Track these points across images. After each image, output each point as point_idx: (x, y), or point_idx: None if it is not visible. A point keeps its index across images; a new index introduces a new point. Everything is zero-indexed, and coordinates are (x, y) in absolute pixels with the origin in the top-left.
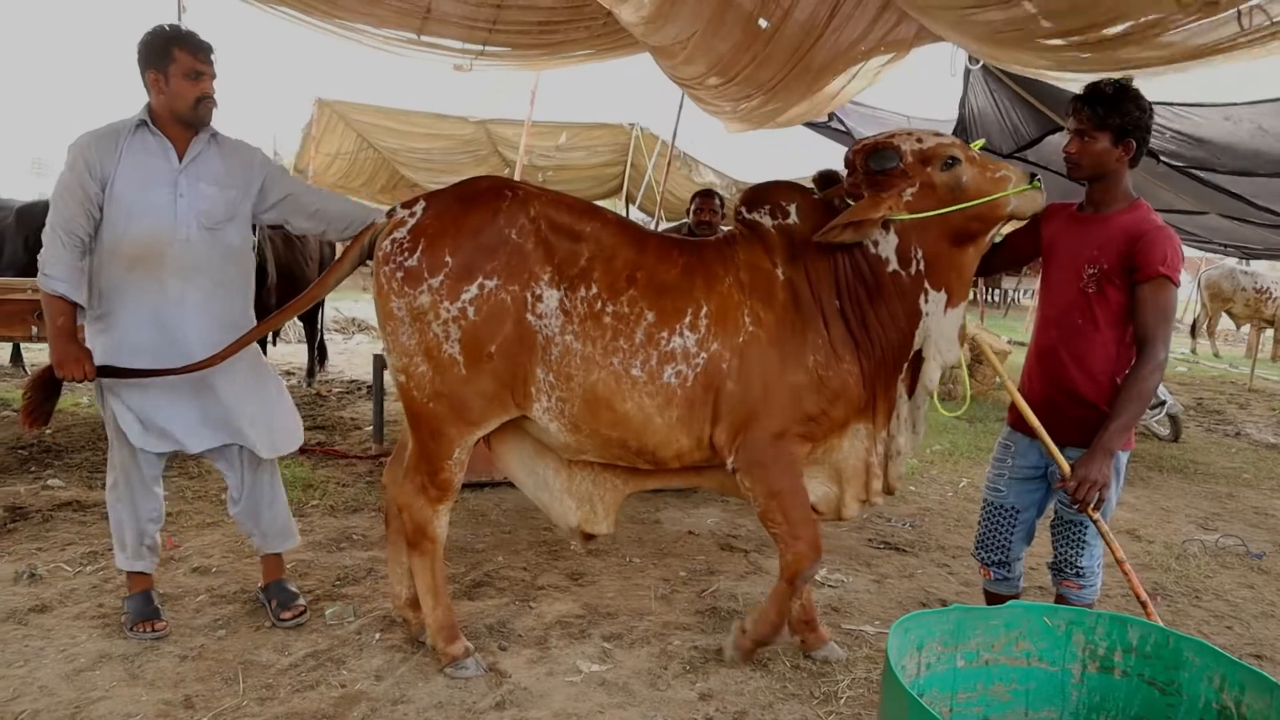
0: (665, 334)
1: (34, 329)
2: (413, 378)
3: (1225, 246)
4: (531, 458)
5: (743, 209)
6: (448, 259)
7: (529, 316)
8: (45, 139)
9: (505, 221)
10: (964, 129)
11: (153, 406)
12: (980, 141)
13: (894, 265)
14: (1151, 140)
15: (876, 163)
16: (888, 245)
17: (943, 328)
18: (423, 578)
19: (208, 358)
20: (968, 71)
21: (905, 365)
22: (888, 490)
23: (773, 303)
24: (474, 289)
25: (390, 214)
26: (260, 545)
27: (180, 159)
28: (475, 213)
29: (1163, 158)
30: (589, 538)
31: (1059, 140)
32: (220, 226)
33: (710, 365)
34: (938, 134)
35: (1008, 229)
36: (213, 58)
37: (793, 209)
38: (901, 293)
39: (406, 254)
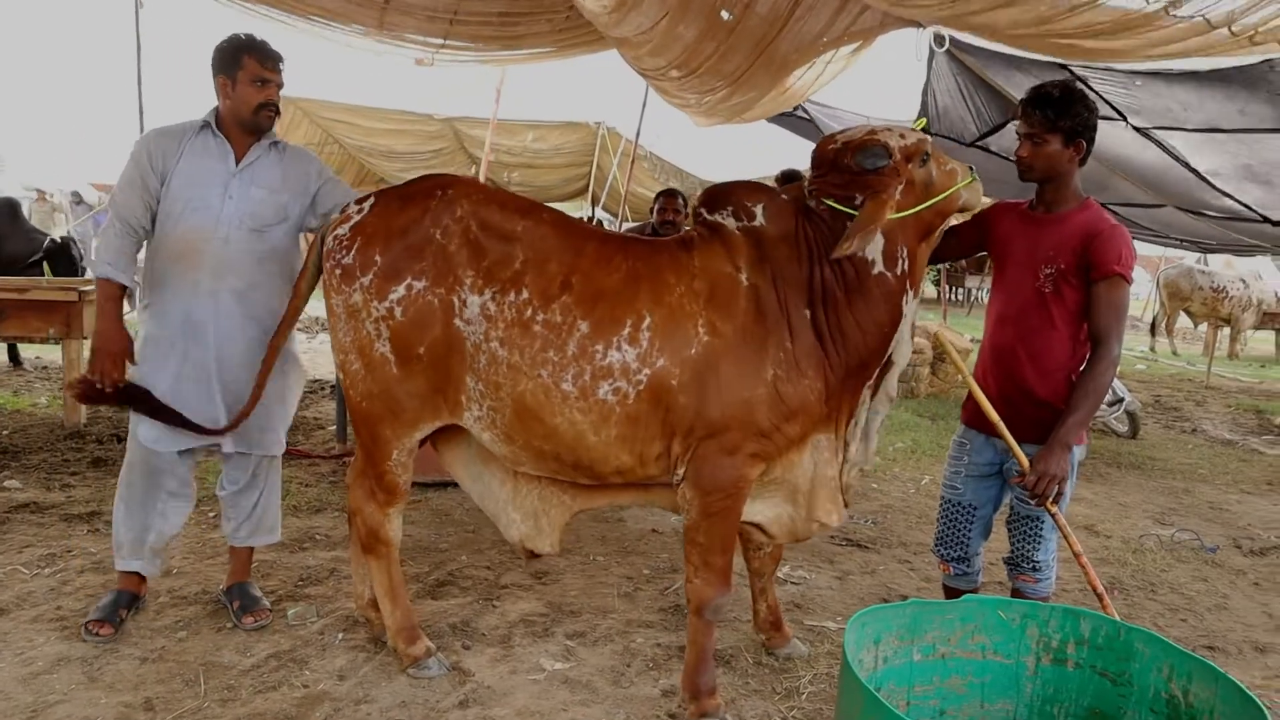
0: (600, 347)
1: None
2: (349, 375)
3: (1182, 241)
4: (478, 464)
5: (703, 210)
6: (377, 258)
7: (456, 321)
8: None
9: (431, 221)
10: (927, 116)
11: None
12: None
13: (880, 267)
14: (1116, 97)
15: (868, 161)
16: (874, 247)
17: (907, 327)
18: (380, 580)
19: (245, 407)
20: (932, 53)
21: (876, 372)
22: (844, 496)
23: (732, 311)
24: (401, 289)
25: (343, 209)
26: (242, 537)
27: (238, 163)
28: (406, 212)
29: (1130, 119)
30: (534, 555)
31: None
32: (267, 229)
33: (656, 382)
34: (907, 129)
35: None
36: (281, 67)
37: (759, 210)
38: (887, 295)
39: (344, 251)
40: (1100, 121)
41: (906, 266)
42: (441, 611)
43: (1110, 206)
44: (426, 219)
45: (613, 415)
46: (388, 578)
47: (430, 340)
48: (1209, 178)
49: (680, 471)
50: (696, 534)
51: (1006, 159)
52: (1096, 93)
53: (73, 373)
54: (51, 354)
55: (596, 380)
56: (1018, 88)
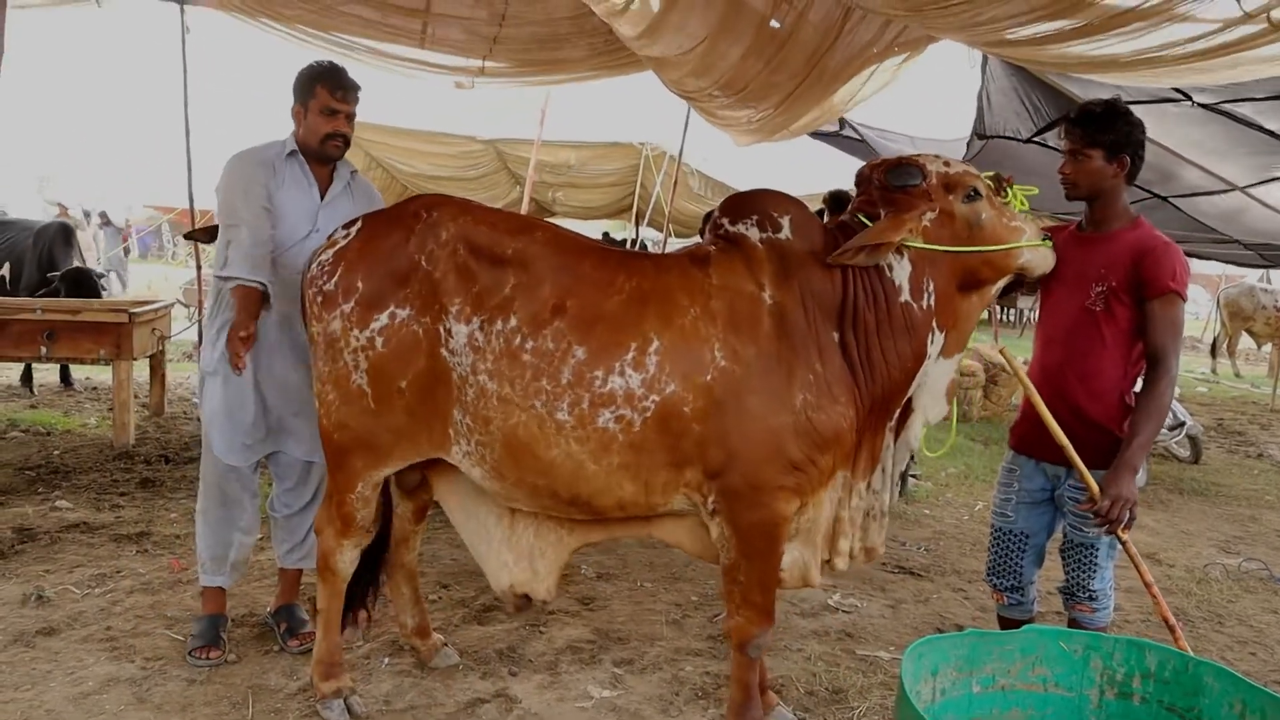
0: (600, 373)
1: (43, 349)
2: (323, 404)
3: (1247, 247)
4: (472, 500)
5: (724, 220)
6: (359, 284)
7: (443, 352)
8: (51, 157)
9: (415, 246)
10: (983, 122)
11: (235, 419)
12: (1034, 189)
13: (906, 295)
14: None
15: (897, 179)
16: (901, 272)
17: (936, 376)
18: (320, 605)
19: None
20: (985, 59)
21: (897, 412)
22: (868, 554)
23: (755, 333)
24: (384, 318)
25: (331, 234)
26: (294, 559)
27: (322, 195)
28: (390, 236)
29: (1196, 97)
30: (524, 601)
31: None
32: None
33: (665, 410)
34: (965, 164)
35: None
36: (353, 97)
37: (785, 222)
38: (911, 326)
39: (327, 277)
40: (1163, 104)
41: (932, 302)
42: (488, 637)
43: (1173, 200)
44: (411, 243)
45: (614, 443)
46: (327, 607)
47: (414, 372)
48: None
49: (710, 504)
50: (736, 573)
51: (1063, 152)
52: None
53: (123, 393)
54: (102, 375)
55: (596, 408)
56: (1075, 84)
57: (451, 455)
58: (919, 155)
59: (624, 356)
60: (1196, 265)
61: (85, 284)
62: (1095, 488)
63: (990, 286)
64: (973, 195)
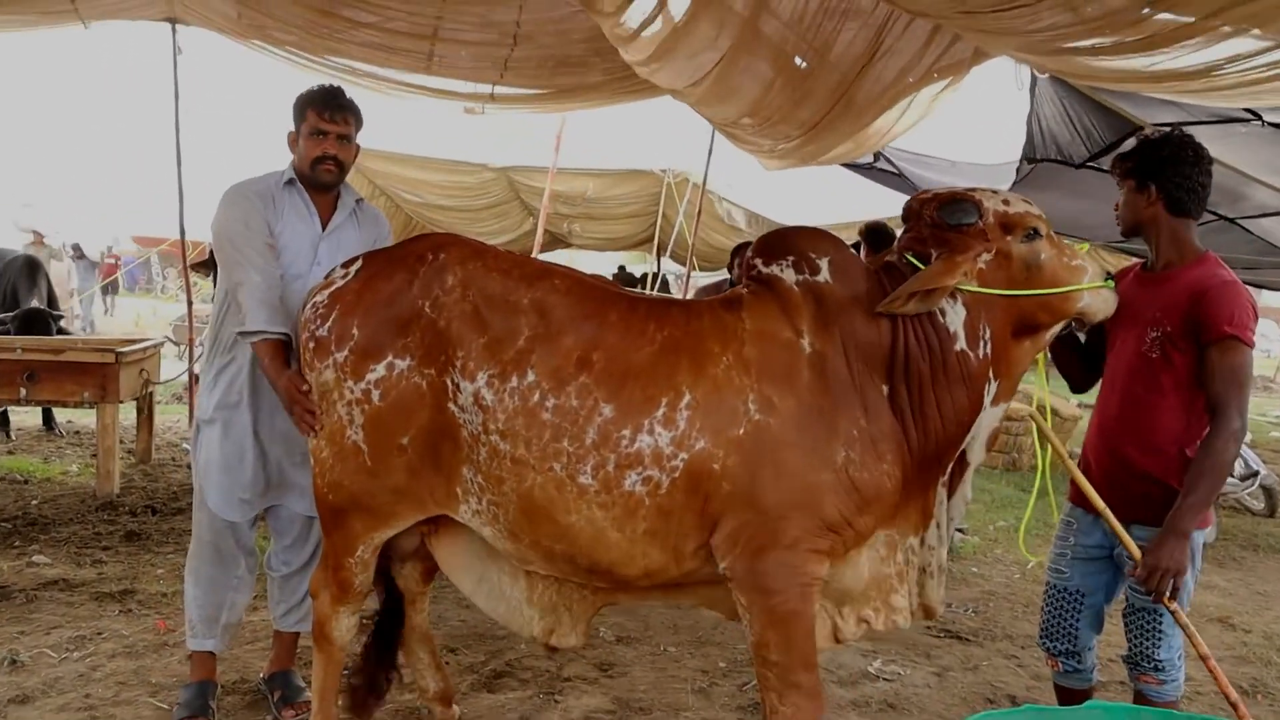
0: (627, 432)
1: (22, 390)
2: (317, 461)
3: None
4: (481, 562)
5: (758, 261)
6: (355, 330)
7: (451, 407)
8: (35, 183)
9: (420, 291)
10: (1032, 145)
11: (233, 471)
12: (1084, 246)
13: (962, 343)
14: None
15: (951, 216)
16: (955, 318)
17: (986, 426)
18: (315, 675)
19: None
20: (1034, 80)
21: (950, 466)
22: (927, 613)
23: (793, 383)
24: (380, 369)
25: (329, 273)
26: (291, 622)
27: (324, 225)
28: (392, 278)
29: (1267, 116)
30: (553, 649)
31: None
32: None
33: (694, 468)
34: (1025, 199)
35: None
36: (343, 118)
37: (824, 264)
38: (968, 377)
39: (320, 321)
40: (1230, 124)
41: (989, 350)
42: (498, 706)
43: (1240, 222)
44: (414, 287)
45: (640, 509)
46: (322, 677)
47: (417, 428)
48: None
49: (722, 567)
50: (767, 651)
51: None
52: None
53: (107, 439)
54: (85, 418)
55: (622, 470)
56: (1131, 103)
57: (460, 514)
58: (974, 190)
59: (655, 413)
60: (1267, 297)
61: (38, 326)
62: (1136, 552)
63: (1046, 331)
64: (1032, 235)
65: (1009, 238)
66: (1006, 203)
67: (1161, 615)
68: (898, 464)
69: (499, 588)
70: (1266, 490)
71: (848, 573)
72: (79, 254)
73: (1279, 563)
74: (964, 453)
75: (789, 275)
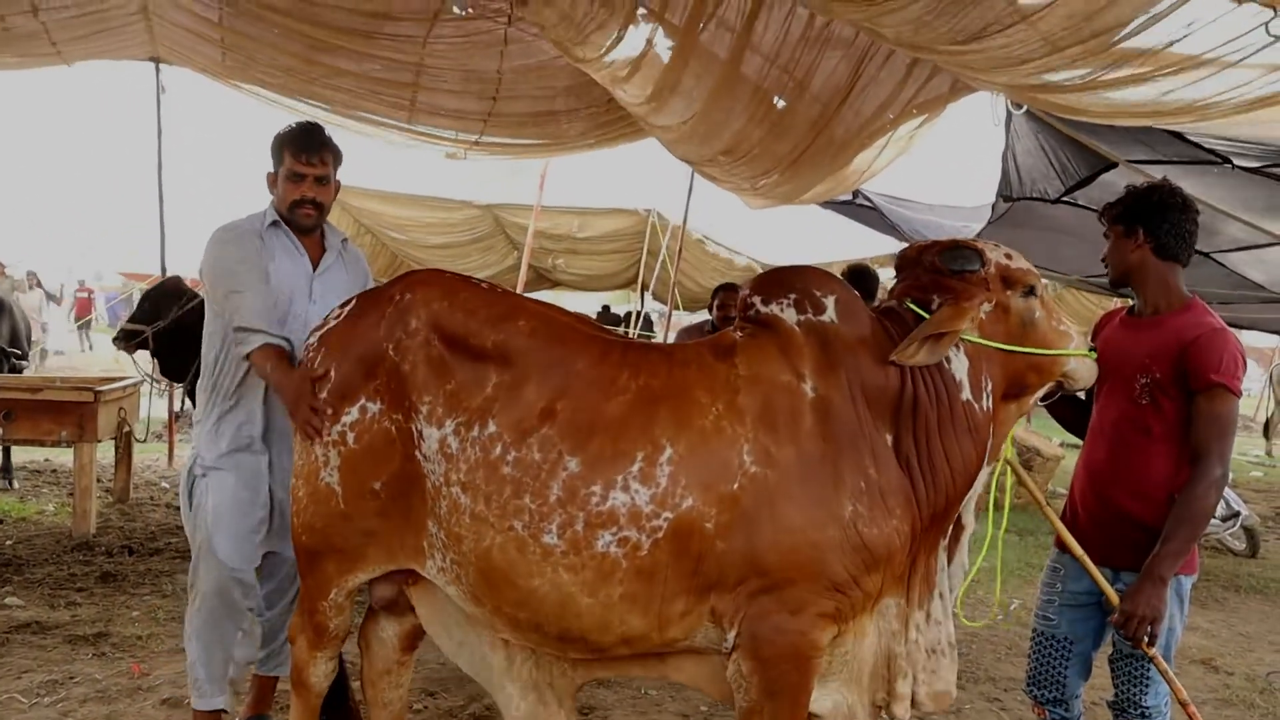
0: (598, 488)
1: None
2: (294, 500)
3: None
4: (460, 626)
5: (755, 299)
6: (333, 373)
7: (417, 455)
8: (17, 219)
9: (385, 333)
10: (1008, 182)
11: (248, 515)
12: (1092, 355)
13: (967, 393)
14: (1217, 145)
15: (954, 262)
16: (960, 367)
17: (976, 487)
18: (292, 719)
19: None
20: (1009, 116)
21: (950, 528)
22: (937, 700)
23: (795, 431)
24: (354, 412)
25: (330, 312)
26: (271, 666)
27: (314, 264)
28: (367, 319)
29: (1236, 161)
30: None
31: (1112, 179)
32: None
33: (680, 527)
34: (1017, 254)
35: None
36: (321, 158)
37: (830, 302)
38: (975, 428)
39: (310, 361)
40: (1201, 166)
41: (990, 404)
42: None
43: (1215, 257)
44: (380, 329)
45: (616, 571)
46: None
47: (389, 474)
48: None
49: (731, 636)
50: (758, 718)
51: (1094, 210)
52: (1193, 143)
53: (84, 478)
54: (61, 457)
55: (593, 530)
56: (1106, 141)
57: (426, 569)
58: (976, 240)
59: (629, 469)
60: (1249, 336)
61: None
62: (1115, 598)
63: (1031, 395)
64: (1029, 292)
65: (1008, 291)
66: (1009, 256)
67: (1149, 662)
68: (906, 519)
69: (479, 654)
70: (1248, 531)
71: (861, 646)
72: (35, 282)
73: (1261, 603)
74: (960, 516)
75: (790, 315)
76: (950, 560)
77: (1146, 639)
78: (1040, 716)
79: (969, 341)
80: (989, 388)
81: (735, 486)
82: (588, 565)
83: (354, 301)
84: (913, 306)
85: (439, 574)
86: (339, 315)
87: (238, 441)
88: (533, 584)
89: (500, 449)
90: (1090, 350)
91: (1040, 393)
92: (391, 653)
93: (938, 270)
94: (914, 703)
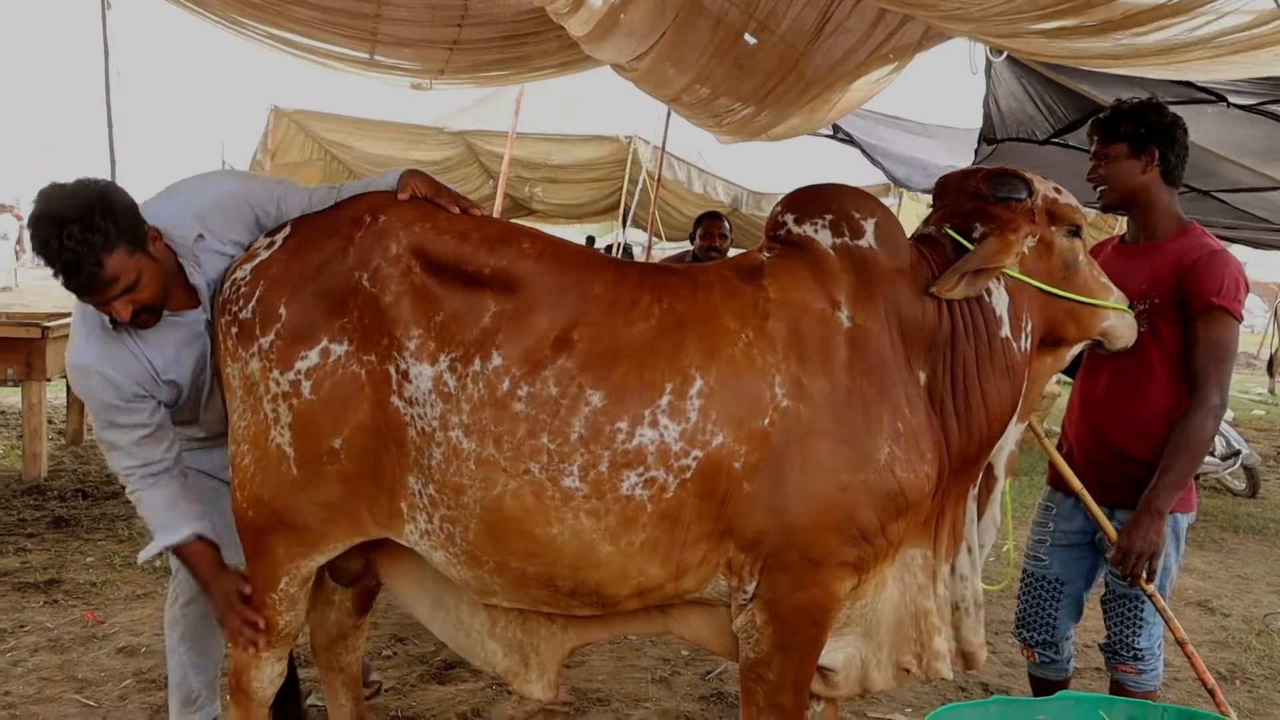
0: (625, 424)
1: None
2: (236, 470)
3: None
4: (436, 586)
5: (788, 218)
6: (282, 311)
7: (395, 401)
8: None
9: (356, 261)
10: (991, 126)
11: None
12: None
13: (1006, 330)
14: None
15: (1000, 189)
16: (1000, 302)
17: (1010, 440)
18: None
19: None
20: (989, 64)
21: (980, 476)
22: (966, 659)
23: (829, 363)
24: (313, 355)
25: (250, 244)
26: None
27: (197, 301)
28: (325, 247)
29: (1231, 99)
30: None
31: None
32: None
33: (709, 466)
34: (1065, 190)
35: None
36: (102, 293)
37: (870, 226)
38: (1012, 369)
39: (243, 302)
40: (1197, 105)
41: (1029, 345)
42: (449, 699)
43: (1217, 195)
44: (349, 257)
45: (641, 515)
46: None
47: (352, 428)
48: None
49: (749, 588)
50: (765, 670)
51: (1085, 151)
52: (1186, 82)
53: (34, 419)
54: (10, 397)
55: (618, 470)
56: (1092, 83)
57: (404, 535)
58: (1023, 171)
59: (658, 401)
60: (1253, 270)
61: None
62: (1113, 534)
63: (1067, 349)
64: (1075, 231)
65: (1053, 228)
66: (1058, 190)
67: (1142, 603)
68: (936, 463)
69: (458, 616)
70: (1248, 470)
71: (880, 598)
72: None
73: (1260, 544)
74: (991, 466)
75: (825, 237)
76: (981, 514)
77: (1145, 575)
78: (1030, 658)
79: (1010, 276)
80: (1029, 327)
81: (766, 422)
82: (611, 510)
83: (292, 228)
84: (953, 234)
85: (422, 538)
86: (273, 245)
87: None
88: (550, 532)
89: (509, 384)
90: (1127, 305)
91: (1076, 349)
92: (346, 617)
93: (981, 196)
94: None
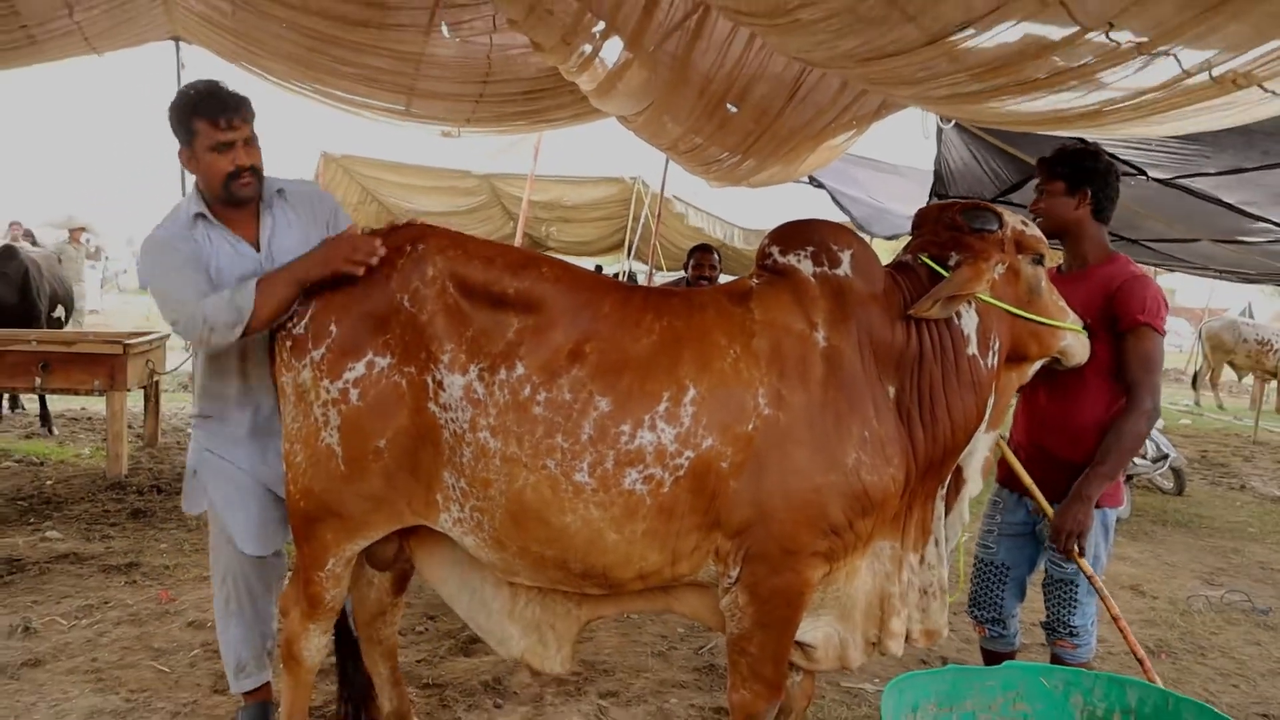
0: (628, 427)
1: (37, 379)
2: (289, 466)
3: (1222, 273)
4: (463, 568)
5: (774, 249)
6: (333, 328)
7: (431, 407)
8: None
9: (398, 285)
10: (941, 183)
11: (248, 510)
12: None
13: (974, 348)
14: (1133, 157)
15: (975, 220)
16: (969, 322)
17: (981, 447)
18: (284, 698)
19: None
20: (939, 130)
21: (949, 478)
22: (928, 637)
23: (806, 378)
24: (360, 367)
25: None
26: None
27: (257, 246)
28: (370, 271)
29: (1151, 173)
30: (536, 672)
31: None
32: None
33: (699, 466)
34: (1034, 225)
35: None
36: (241, 119)
37: (846, 257)
38: (977, 384)
39: (297, 319)
40: (1123, 178)
41: (996, 362)
42: (474, 669)
43: (1145, 243)
44: (392, 281)
45: (641, 508)
46: (291, 700)
47: (394, 430)
48: (1242, 206)
49: (734, 573)
50: (747, 644)
51: (1024, 207)
52: (1110, 156)
53: (116, 424)
54: (96, 405)
55: (621, 468)
56: (1031, 150)
57: (439, 523)
58: (994, 205)
59: (656, 408)
60: (1182, 296)
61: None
62: (1051, 513)
63: (1030, 365)
64: (1038, 260)
65: (1020, 256)
66: (1024, 223)
67: (1077, 585)
68: (902, 467)
69: (481, 595)
70: (1176, 472)
71: (853, 584)
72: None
73: (1185, 536)
74: (960, 469)
75: (806, 266)
76: (949, 511)
77: (1077, 549)
78: (981, 634)
79: (980, 300)
80: (996, 345)
81: (750, 428)
82: (615, 502)
83: None
84: (929, 262)
85: (455, 525)
86: None
87: (224, 441)
88: (565, 520)
89: (529, 390)
90: (1085, 327)
91: (1037, 365)
92: (384, 596)
93: (957, 227)
94: (906, 639)
